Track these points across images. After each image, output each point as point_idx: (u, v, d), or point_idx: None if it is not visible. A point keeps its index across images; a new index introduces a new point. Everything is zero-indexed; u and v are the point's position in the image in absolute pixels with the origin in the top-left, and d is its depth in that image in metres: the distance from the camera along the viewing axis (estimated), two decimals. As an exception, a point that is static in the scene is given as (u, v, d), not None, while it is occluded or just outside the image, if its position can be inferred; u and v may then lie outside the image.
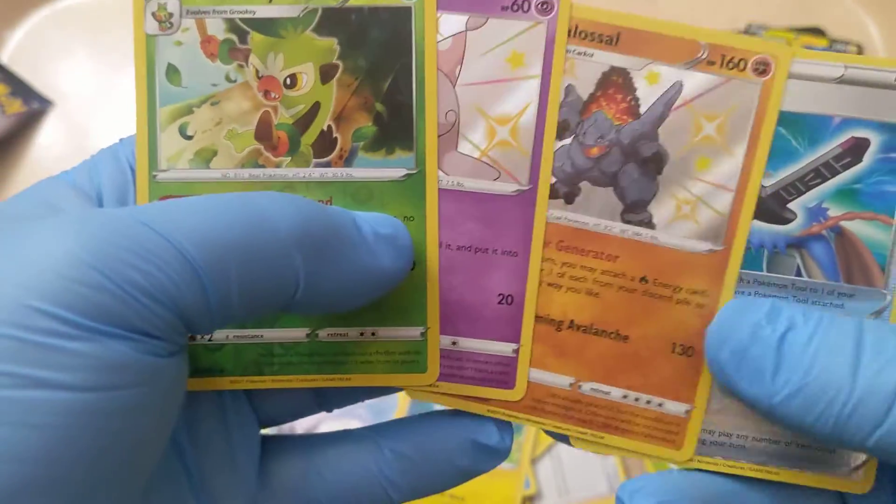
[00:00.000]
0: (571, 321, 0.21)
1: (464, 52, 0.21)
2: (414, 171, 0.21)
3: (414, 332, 0.21)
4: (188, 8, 0.21)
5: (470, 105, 0.21)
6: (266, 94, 0.21)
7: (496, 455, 0.22)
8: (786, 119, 0.21)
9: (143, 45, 0.21)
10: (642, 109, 0.21)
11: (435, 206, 0.21)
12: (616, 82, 0.21)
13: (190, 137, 0.21)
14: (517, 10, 0.20)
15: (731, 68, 0.20)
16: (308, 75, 0.21)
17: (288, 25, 0.21)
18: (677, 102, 0.21)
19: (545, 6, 0.20)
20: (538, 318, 0.21)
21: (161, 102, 0.21)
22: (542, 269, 0.21)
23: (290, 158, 0.21)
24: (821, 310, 0.20)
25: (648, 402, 0.21)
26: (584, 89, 0.21)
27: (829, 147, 0.21)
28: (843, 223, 0.21)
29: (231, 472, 0.22)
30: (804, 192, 0.21)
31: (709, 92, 0.21)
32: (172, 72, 0.21)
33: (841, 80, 0.20)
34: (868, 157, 0.21)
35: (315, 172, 0.21)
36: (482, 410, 0.22)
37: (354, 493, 0.22)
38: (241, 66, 0.21)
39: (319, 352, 0.21)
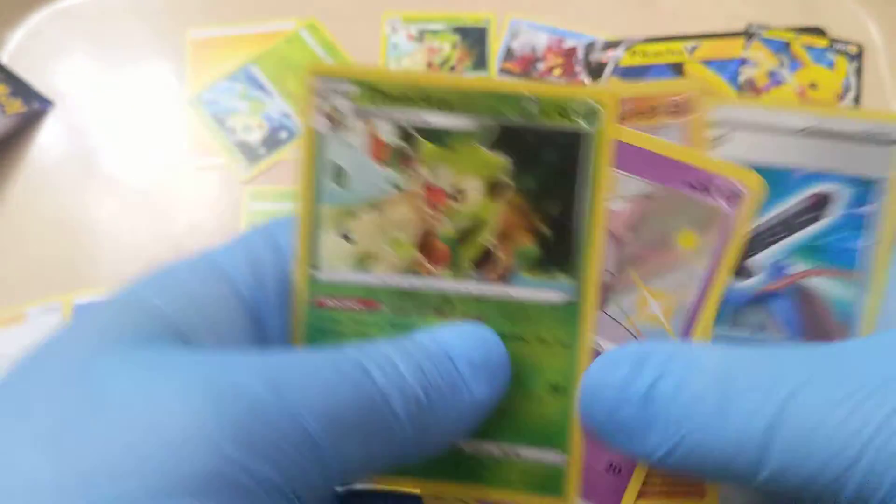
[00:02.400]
0: None
1: (637, 218, 0.20)
2: (574, 299, 0.20)
3: (555, 456, 0.21)
4: (360, 109, 0.20)
5: (629, 270, 0.20)
6: (431, 205, 0.20)
7: None
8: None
9: (310, 141, 0.20)
10: None
11: (591, 338, 0.21)
12: None
13: (351, 240, 0.21)
14: (703, 192, 0.20)
15: None
16: (475, 190, 0.20)
17: (461, 138, 0.20)
18: None
19: (734, 198, 0.20)
20: None
21: (324, 201, 0.20)
22: None
23: (449, 271, 0.21)
24: (692, 346, 0.19)
25: None
26: None
27: (793, 201, 0.20)
28: (806, 280, 0.20)
29: None
30: (767, 248, 0.20)
31: None
32: (339, 173, 0.20)
33: (805, 133, 0.20)
34: (832, 212, 0.20)
35: (473, 287, 0.21)
36: None
37: None
38: (408, 174, 0.20)
39: (460, 462, 0.21)
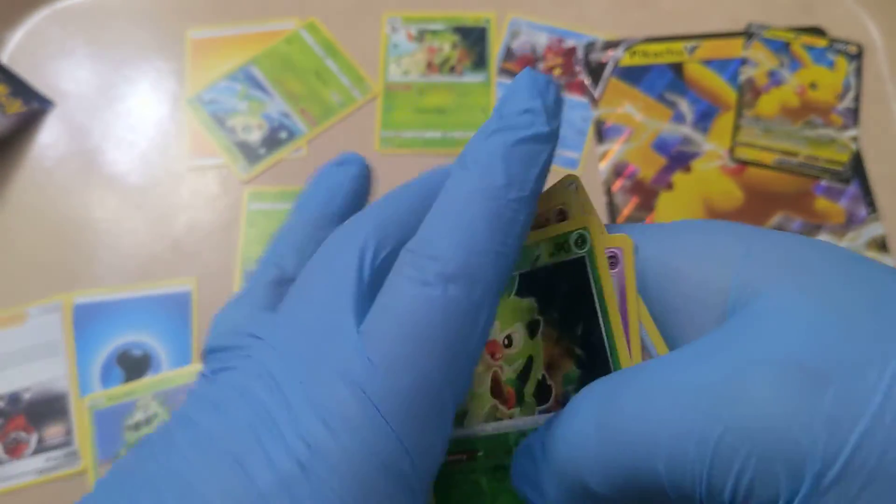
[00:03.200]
0: None
1: None
2: None
3: None
4: None
5: None
6: (492, 356, 0.23)
7: None
8: None
9: None
10: None
11: None
12: None
13: None
14: None
15: None
16: (519, 333, 0.23)
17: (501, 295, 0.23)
18: None
19: (615, 261, 0.22)
20: None
21: None
22: None
23: (519, 409, 0.23)
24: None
25: None
26: None
27: None
28: None
29: None
30: None
31: None
32: None
33: None
34: None
35: (541, 419, 0.23)
36: None
37: None
38: None
39: None
